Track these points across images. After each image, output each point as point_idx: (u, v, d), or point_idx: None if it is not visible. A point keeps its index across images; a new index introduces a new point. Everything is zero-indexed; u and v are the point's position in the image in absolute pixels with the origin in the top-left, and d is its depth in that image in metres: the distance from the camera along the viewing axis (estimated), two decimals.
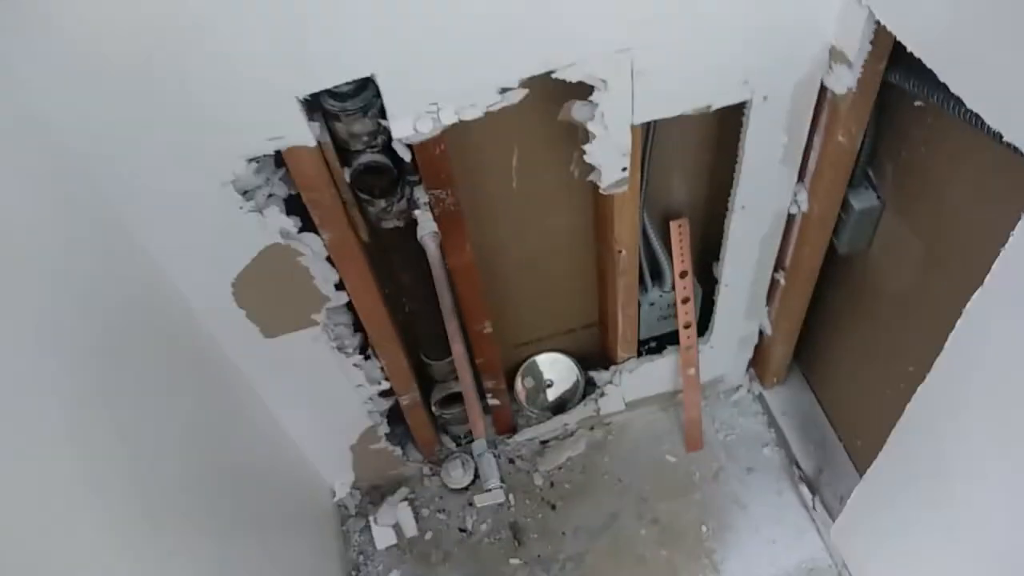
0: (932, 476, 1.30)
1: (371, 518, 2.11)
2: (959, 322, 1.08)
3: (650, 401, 2.21)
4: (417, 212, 1.43)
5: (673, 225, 1.79)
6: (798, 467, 2.07)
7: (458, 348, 1.31)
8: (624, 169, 1.46)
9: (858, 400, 1.93)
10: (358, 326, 1.67)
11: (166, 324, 1.38)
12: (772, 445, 2.15)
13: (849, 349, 1.90)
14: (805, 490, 2.02)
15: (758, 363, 2.17)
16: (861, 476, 1.98)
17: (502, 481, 1.28)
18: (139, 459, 1.14)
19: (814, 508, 2.00)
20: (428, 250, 1.40)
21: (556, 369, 2.19)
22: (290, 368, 1.66)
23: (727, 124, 1.53)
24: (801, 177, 1.59)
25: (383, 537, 2.08)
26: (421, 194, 1.43)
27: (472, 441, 2.17)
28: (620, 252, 1.65)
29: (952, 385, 1.17)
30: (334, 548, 2.04)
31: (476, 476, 2.17)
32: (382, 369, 1.78)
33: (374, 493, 2.16)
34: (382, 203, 1.42)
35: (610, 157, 1.44)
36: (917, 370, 1.65)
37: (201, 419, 1.42)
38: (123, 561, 1.01)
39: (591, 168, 1.47)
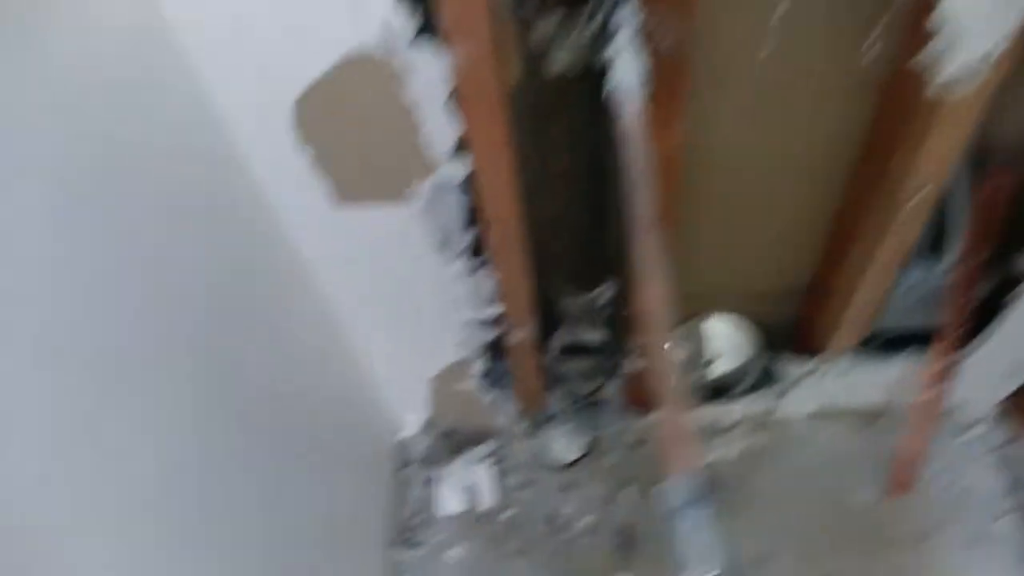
0: None
1: (440, 472, 1.61)
2: None
3: (846, 415, 1.58)
4: (611, 50, 0.84)
5: (990, 177, 1.13)
6: None
7: (655, 297, 0.72)
8: (993, 47, 0.82)
9: None
10: (472, 218, 1.11)
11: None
12: (1009, 517, 1.50)
13: None
14: None
15: (1019, 402, 1.50)
16: None
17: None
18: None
19: None
20: (623, 117, 0.80)
21: (728, 339, 1.58)
22: (363, 254, 1.14)
23: None
24: None
25: (450, 501, 1.58)
26: (629, 18, 0.83)
27: (593, 404, 1.65)
28: (920, 189, 1.01)
29: None
30: (382, 498, 1.56)
31: (587, 453, 1.63)
32: (495, 287, 1.23)
33: (450, 440, 1.65)
34: (553, 21, 0.84)
35: (984, 20, 0.79)
36: None
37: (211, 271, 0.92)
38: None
39: (927, 36, 0.83)
